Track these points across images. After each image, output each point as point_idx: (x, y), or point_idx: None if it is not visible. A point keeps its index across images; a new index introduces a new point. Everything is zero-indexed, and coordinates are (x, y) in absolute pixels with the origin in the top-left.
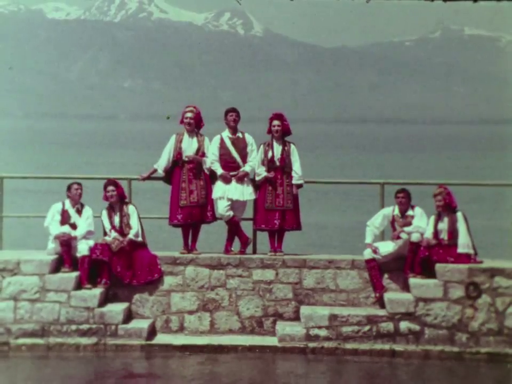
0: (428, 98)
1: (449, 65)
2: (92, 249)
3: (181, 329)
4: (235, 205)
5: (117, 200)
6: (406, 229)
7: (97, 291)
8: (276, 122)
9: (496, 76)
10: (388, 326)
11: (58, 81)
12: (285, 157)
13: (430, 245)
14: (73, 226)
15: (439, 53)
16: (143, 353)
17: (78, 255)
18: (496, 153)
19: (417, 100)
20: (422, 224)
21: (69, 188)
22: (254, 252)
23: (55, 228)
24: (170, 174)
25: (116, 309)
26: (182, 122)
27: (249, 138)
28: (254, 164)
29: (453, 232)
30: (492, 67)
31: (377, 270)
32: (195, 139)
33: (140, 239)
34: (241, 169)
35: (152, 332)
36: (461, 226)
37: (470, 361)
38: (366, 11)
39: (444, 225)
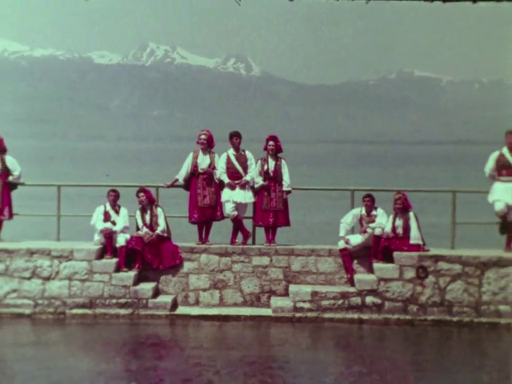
0: (388, 124)
1: (404, 99)
2: (128, 241)
3: (197, 303)
4: (239, 206)
5: (147, 203)
6: (371, 225)
7: (132, 273)
8: (271, 142)
9: (438, 108)
10: (357, 300)
11: (102, 111)
12: (277, 169)
13: (389, 238)
14: (113, 223)
15: (395, 89)
16: (168, 321)
17: (117, 245)
18: (441, 167)
19: (380, 125)
20: (383, 221)
21: (108, 194)
22: (254, 243)
23: (100, 224)
24: (188, 183)
25: (147, 287)
26: (198, 142)
27: (249, 154)
28: (253, 175)
29: (406, 228)
30: (435, 101)
31: (348, 257)
32: (208, 156)
33: (165, 234)
34: (243, 179)
35: (174, 305)
36: (413, 224)
37: (419, 326)
38: (340, 56)
39: (399, 222)
